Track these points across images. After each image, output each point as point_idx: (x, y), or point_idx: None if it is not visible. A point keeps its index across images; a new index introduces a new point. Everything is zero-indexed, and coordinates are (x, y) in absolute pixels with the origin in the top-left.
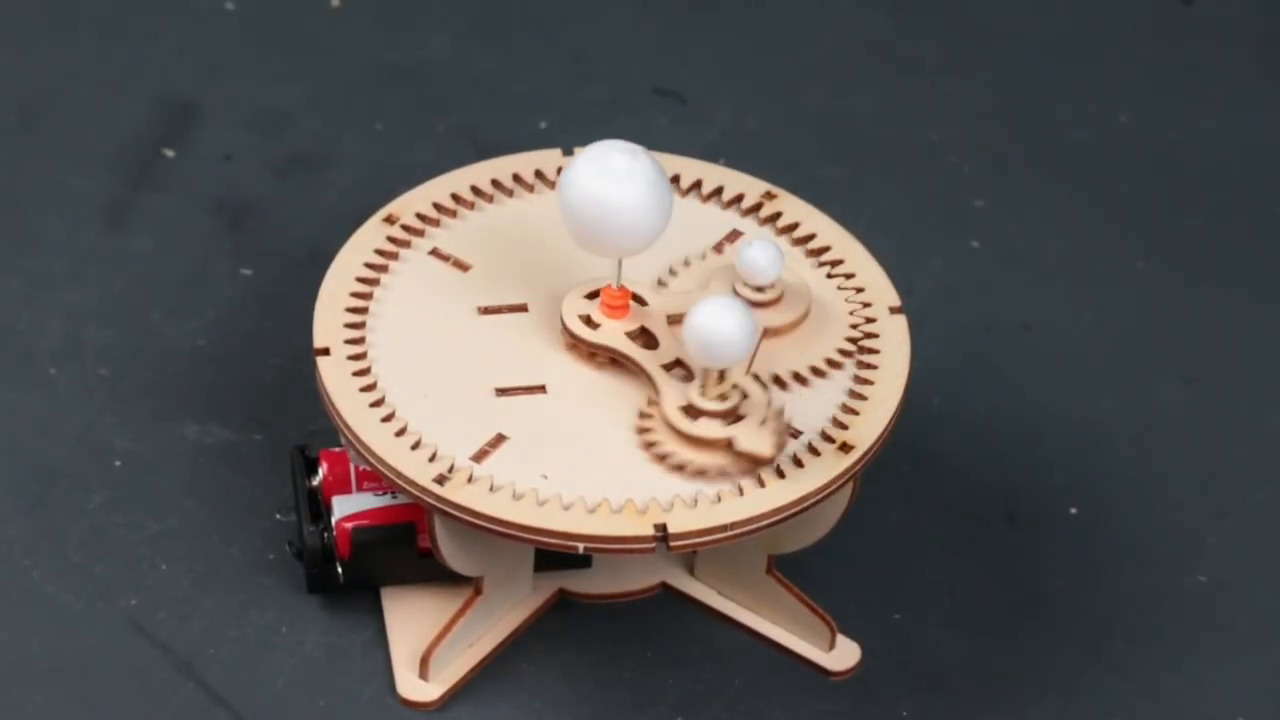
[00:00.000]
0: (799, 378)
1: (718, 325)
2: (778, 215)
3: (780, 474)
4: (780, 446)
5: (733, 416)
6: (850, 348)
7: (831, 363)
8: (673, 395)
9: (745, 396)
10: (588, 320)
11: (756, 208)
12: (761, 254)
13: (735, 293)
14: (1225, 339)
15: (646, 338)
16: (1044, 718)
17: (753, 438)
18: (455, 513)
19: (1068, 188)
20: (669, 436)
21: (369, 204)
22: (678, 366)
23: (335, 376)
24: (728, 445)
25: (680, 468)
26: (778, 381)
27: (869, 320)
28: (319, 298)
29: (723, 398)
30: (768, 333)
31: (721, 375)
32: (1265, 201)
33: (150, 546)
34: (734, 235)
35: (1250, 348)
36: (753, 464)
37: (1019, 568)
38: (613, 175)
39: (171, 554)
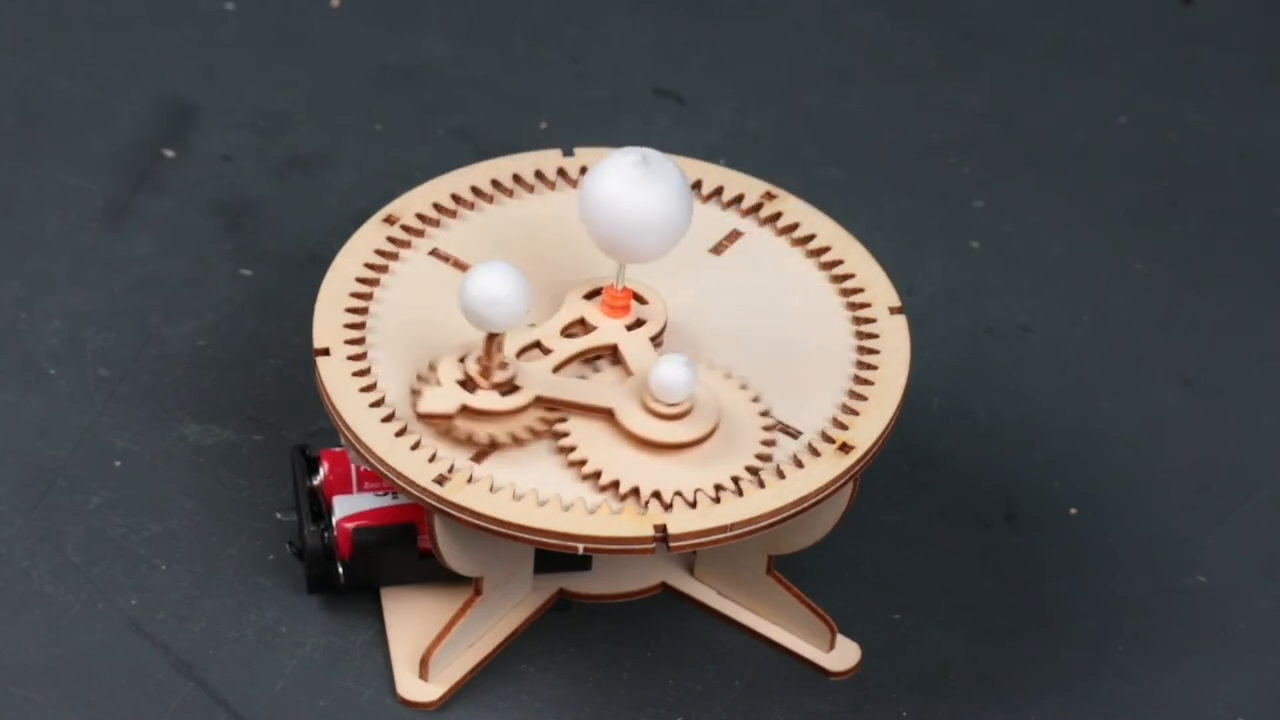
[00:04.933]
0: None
1: (492, 287)
2: (778, 215)
3: (780, 474)
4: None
5: (509, 387)
6: (757, 464)
7: (736, 480)
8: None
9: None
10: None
11: (756, 208)
12: (674, 374)
13: (646, 408)
14: (1224, 340)
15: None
16: (1043, 718)
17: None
18: (455, 513)
19: (1067, 188)
20: (493, 425)
21: (368, 205)
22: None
23: (335, 376)
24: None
25: (522, 440)
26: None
27: (869, 320)
28: (319, 298)
29: (502, 367)
30: (672, 447)
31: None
32: (1265, 202)
33: (150, 547)
34: (734, 235)
35: (1250, 349)
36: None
37: (1019, 568)
38: (636, 183)
39: (171, 554)
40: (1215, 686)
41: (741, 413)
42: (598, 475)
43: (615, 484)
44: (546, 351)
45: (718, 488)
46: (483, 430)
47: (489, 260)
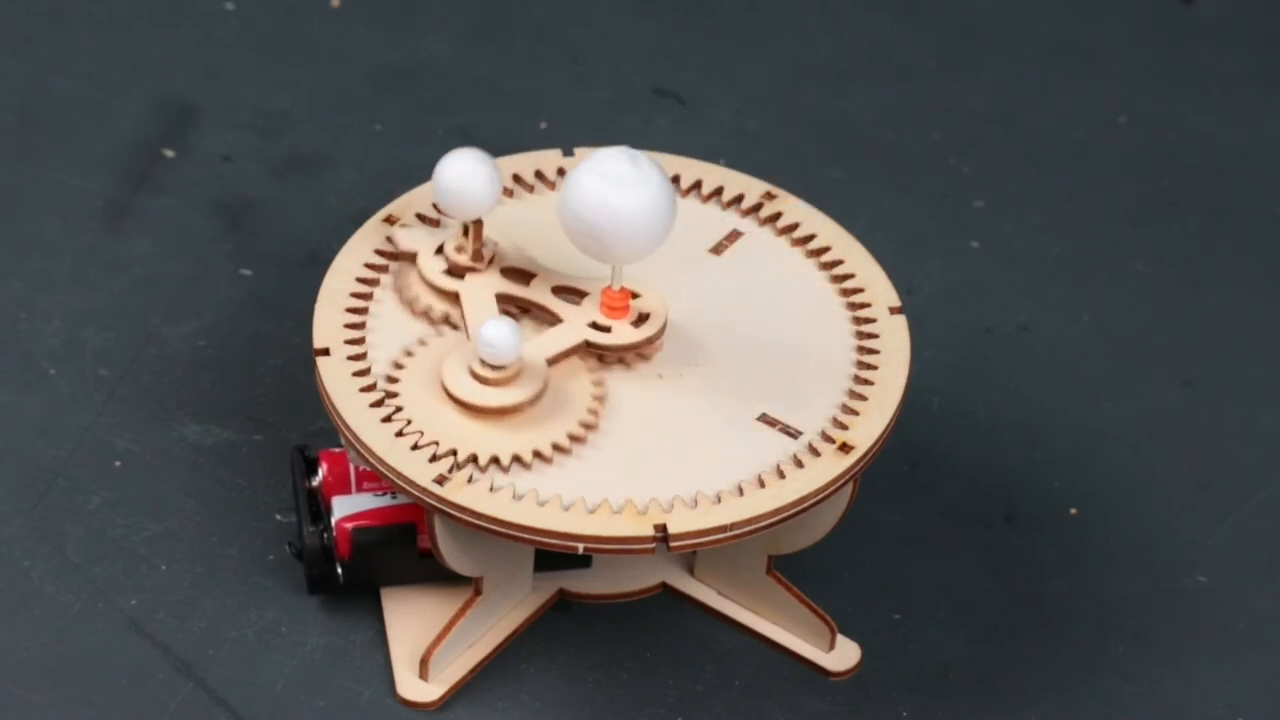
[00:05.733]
0: (540, 455)
1: (466, 176)
2: (778, 215)
3: (780, 474)
4: None
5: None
6: (579, 431)
7: (559, 447)
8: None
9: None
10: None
11: (756, 208)
12: (499, 333)
13: (471, 373)
14: (1224, 340)
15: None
16: (1043, 718)
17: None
18: (455, 513)
19: (1067, 188)
20: (422, 288)
21: (368, 205)
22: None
23: (335, 376)
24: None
25: (425, 312)
26: (518, 460)
27: (869, 320)
28: (319, 298)
29: (476, 255)
30: (503, 411)
31: (469, 232)
32: (1265, 202)
33: (150, 547)
34: (734, 235)
35: (1250, 349)
36: None
37: (1019, 568)
38: (617, 183)
39: (171, 554)
40: (1215, 686)
41: (574, 386)
42: (412, 426)
43: (426, 438)
44: (526, 283)
45: (536, 454)
46: (421, 295)
47: (464, 148)
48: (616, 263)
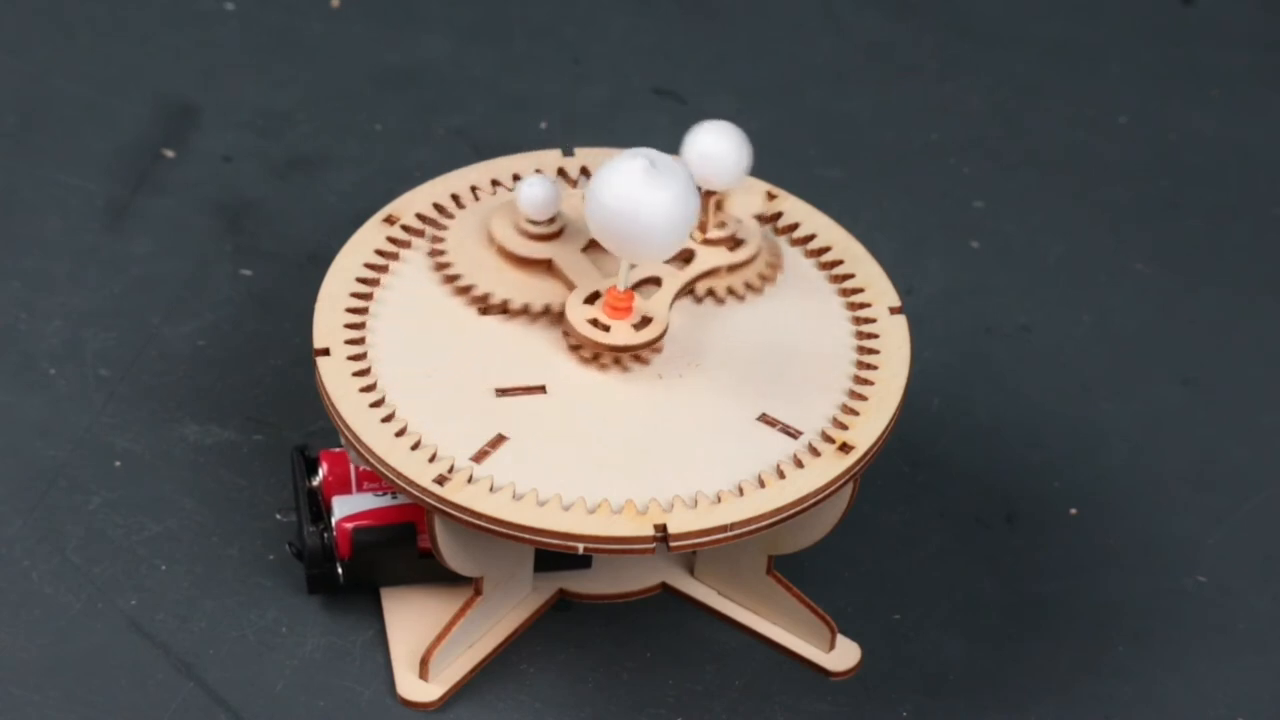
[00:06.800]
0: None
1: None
2: (778, 215)
3: (780, 474)
4: None
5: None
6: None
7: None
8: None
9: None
10: (595, 323)
11: None
12: (539, 189)
13: (517, 229)
14: (1224, 340)
15: None
16: (1043, 718)
17: None
18: (455, 513)
19: (1068, 188)
20: None
21: (368, 205)
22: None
23: (335, 376)
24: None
25: None
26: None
27: (869, 320)
28: (319, 298)
29: (720, 225)
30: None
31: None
32: (1265, 202)
33: (150, 547)
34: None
35: (1249, 349)
36: None
37: (1019, 568)
38: (657, 185)
39: (171, 555)
40: (1215, 686)
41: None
42: (467, 288)
43: (468, 288)
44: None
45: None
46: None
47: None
48: (640, 260)
